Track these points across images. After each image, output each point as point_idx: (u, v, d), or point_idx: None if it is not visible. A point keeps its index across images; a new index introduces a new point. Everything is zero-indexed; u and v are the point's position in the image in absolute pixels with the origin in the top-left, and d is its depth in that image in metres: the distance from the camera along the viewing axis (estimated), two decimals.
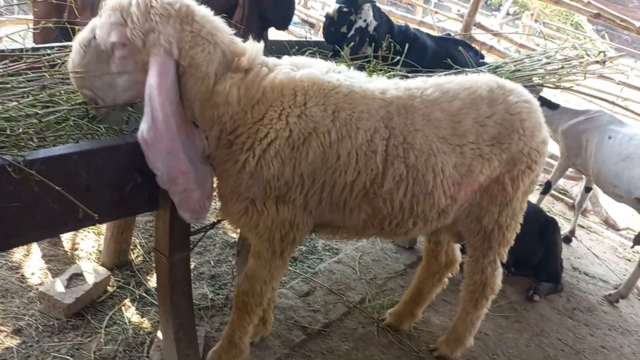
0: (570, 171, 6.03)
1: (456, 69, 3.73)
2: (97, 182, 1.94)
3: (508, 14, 17.97)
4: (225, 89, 2.11)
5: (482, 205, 2.66)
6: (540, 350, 3.78)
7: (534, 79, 4.18)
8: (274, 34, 3.94)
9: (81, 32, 2.05)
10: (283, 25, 3.79)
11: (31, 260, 3.38)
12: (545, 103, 5.17)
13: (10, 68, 2.26)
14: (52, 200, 1.76)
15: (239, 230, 3.32)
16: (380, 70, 3.48)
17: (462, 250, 3.20)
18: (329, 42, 4.06)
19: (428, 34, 4.42)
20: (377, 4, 4.12)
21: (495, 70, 4.04)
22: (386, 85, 2.41)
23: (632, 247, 5.78)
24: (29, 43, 2.68)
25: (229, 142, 2.18)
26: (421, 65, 3.80)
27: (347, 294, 3.76)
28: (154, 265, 3.45)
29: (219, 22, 2.17)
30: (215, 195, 2.31)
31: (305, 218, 2.35)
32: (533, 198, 5.34)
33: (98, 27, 2.00)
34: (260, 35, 3.65)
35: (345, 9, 3.90)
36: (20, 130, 1.83)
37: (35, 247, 3.48)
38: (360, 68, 3.23)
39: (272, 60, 2.31)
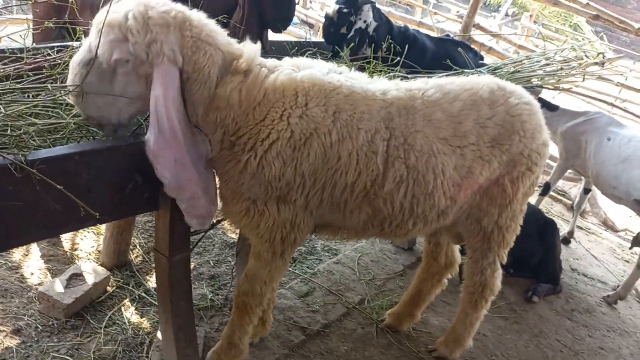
0: (569, 172, 6.04)
1: (455, 70, 3.74)
2: (97, 182, 1.94)
3: (507, 15, 18.00)
4: (226, 93, 2.13)
5: (482, 207, 2.67)
6: (539, 351, 3.78)
7: (533, 80, 4.19)
8: (273, 34, 3.94)
9: (77, 54, 2.01)
10: (282, 26, 3.79)
11: (31, 260, 3.38)
12: (544, 104, 5.17)
13: (11, 67, 2.26)
14: (53, 200, 1.76)
15: (238, 231, 3.32)
16: (380, 71, 3.49)
17: (462, 252, 3.21)
18: (328, 43, 4.06)
19: (427, 35, 4.42)
20: (377, 5, 4.12)
21: (494, 71, 4.05)
22: (387, 86, 2.41)
23: (631, 248, 5.78)
24: (29, 43, 2.67)
25: (231, 143, 2.19)
26: (420, 66, 3.80)
27: (346, 295, 3.76)
28: (153, 265, 3.45)
29: (214, 24, 2.18)
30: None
31: (306, 218, 2.35)
32: (532, 199, 5.34)
33: (97, 46, 1.95)
34: (260, 35, 3.65)
35: (345, 10, 3.91)
36: (22, 131, 1.84)
37: (34, 247, 3.48)
38: (360, 69, 3.24)
39: (270, 61, 2.31)
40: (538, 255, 4.60)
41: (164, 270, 2.46)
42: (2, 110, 1.89)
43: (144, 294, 3.29)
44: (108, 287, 3.27)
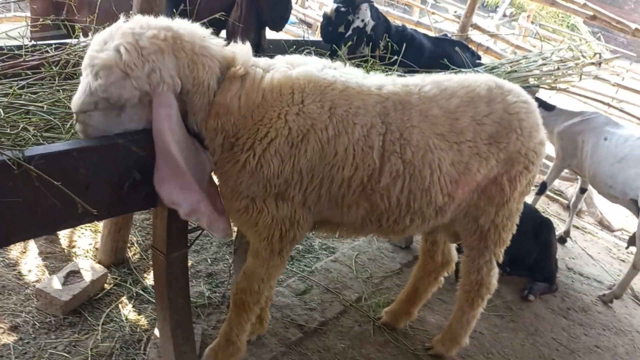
0: (565, 172, 6.06)
1: (453, 69, 3.75)
2: (96, 179, 1.94)
3: (505, 15, 18.03)
4: (226, 100, 2.14)
5: (479, 205, 2.67)
6: (535, 350, 3.80)
7: (530, 80, 4.20)
8: (271, 33, 3.95)
9: (78, 98, 1.94)
10: (279, 25, 3.80)
11: (28, 258, 3.37)
12: (541, 104, 5.19)
13: (8, 65, 2.26)
14: (52, 196, 1.77)
15: (236, 229, 3.33)
16: (377, 70, 3.50)
17: (459, 250, 3.22)
18: (326, 42, 4.07)
19: (425, 35, 4.43)
20: (375, 5, 4.13)
21: (491, 70, 4.07)
22: (383, 81, 2.42)
23: (627, 247, 5.82)
24: (27, 41, 2.68)
25: (230, 145, 2.20)
26: (418, 66, 3.81)
27: (343, 293, 3.77)
28: (150, 263, 3.46)
29: (201, 29, 2.16)
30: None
31: (305, 215, 2.36)
32: (529, 199, 5.36)
33: (99, 90, 1.89)
34: (258, 34, 3.66)
35: (342, 9, 3.92)
36: (20, 127, 1.84)
37: (32, 244, 3.48)
38: (358, 68, 3.25)
39: (263, 60, 2.32)
40: (534, 254, 4.62)
41: (161, 267, 2.46)
42: (1, 112, 1.90)
43: (141, 292, 3.29)
44: (105, 285, 3.28)
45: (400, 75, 2.71)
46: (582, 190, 5.81)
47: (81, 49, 2.51)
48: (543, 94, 5.33)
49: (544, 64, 4.35)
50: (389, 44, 3.76)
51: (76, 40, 2.65)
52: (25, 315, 2.91)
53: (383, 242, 4.58)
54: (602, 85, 10.49)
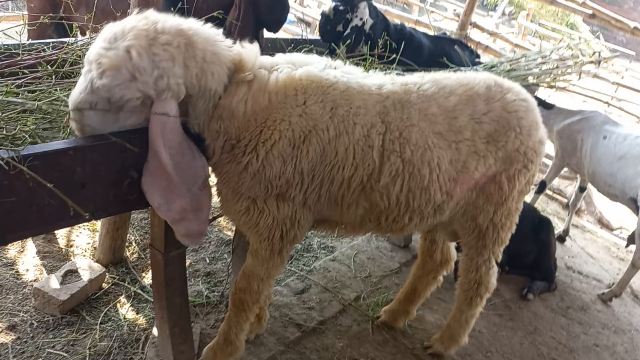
0: (564, 171, 6.06)
1: (452, 68, 3.74)
2: (92, 178, 1.93)
3: (504, 14, 18.03)
4: (231, 105, 2.12)
5: (478, 204, 2.67)
6: (534, 348, 3.80)
7: (529, 78, 4.20)
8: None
9: (77, 95, 1.89)
10: (276, 26, 3.80)
11: (26, 257, 3.37)
12: (540, 103, 5.19)
13: (5, 63, 2.25)
14: (48, 195, 1.76)
15: (234, 228, 3.33)
16: (376, 68, 3.49)
17: (458, 249, 3.22)
18: (325, 41, 4.06)
19: (424, 33, 4.43)
20: (373, 3, 4.13)
21: (490, 69, 4.06)
22: (382, 81, 2.42)
23: (626, 246, 5.82)
24: (25, 40, 2.67)
25: (231, 146, 2.19)
26: (417, 64, 3.81)
27: (342, 292, 3.77)
28: (149, 262, 3.45)
29: (213, 33, 2.12)
30: (214, 193, 2.31)
31: (306, 214, 2.36)
32: (527, 197, 5.36)
33: (102, 89, 1.86)
34: (256, 34, 3.66)
35: (341, 8, 3.91)
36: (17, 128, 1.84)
37: (30, 244, 3.48)
38: (356, 66, 3.24)
39: (266, 59, 2.30)
40: (533, 253, 4.62)
41: (159, 266, 2.46)
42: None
43: (139, 291, 3.29)
44: (103, 284, 3.27)
45: (399, 74, 2.70)
46: (582, 189, 5.81)
47: (78, 48, 2.50)
48: (542, 93, 5.32)
49: (543, 63, 4.35)
50: (388, 42, 3.76)
51: (74, 39, 2.64)
52: (23, 314, 2.90)
53: (382, 241, 4.58)
54: (602, 83, 10.48)
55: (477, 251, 2.86)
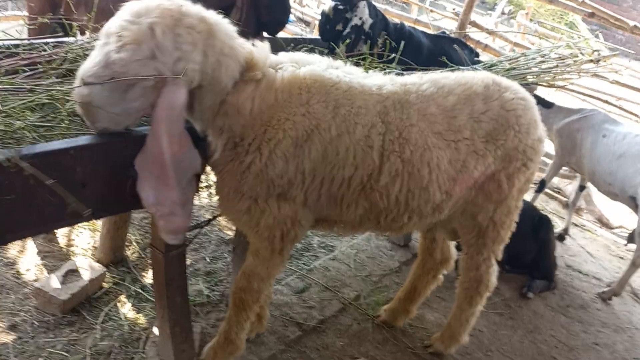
0: (564, 170, 6.06)
1: (451, 67, 3.74)
2: (93, 177, 1.94)
3: (503, 13, 18.00)
4: (238, 102, 2.11)
5: (477, 202, 2.67)
6: (534, 347, 3.80)
7: (528, 77, 4.19)
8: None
9: (90, 67, 1.83)
10: (276, 29, 3.81)
11: (26, 256, 3.37)
12: (539, 102, 5.18)
13: (6, 63, 2.25)
14: (49, 194, 1.76)
15: (234, 227, 3.33)
16: (376, 67, 3.49)
17: (458, 248, 3.22)
18: (324, 40, 4.06)
19: (423, 32, 4.42)
20: (373, 2, 4.13)
21: (490, 68, 4.06)
22: (383, 81, 2.42)
23: (626, 245, 5.82)
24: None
25: (234, 144, 2.19)
26: (416, 63, 3.80)
27: (342, 291, 3.77)
28: (149, 261, 3.45)
29: (231, 27, 2.12)
30: (212, 192, 2.31)
31: (306, 214, 2.36)
32: (527, 196, 5.36)
33: (118, 64, 1.80)
34: (256, 36, 3.66)
35: (340, 7, 3.91)
36: (17, 126, 1.84)
37: (30, 243, 3.48)
38: (356, 66, 3.25)
39: (273, 58, 2.31)
40: (533, 251, 4.62)
41: (160, 265, 2.46)
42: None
43: (140, 290, 3.29)
44: (104, 283, 3.27)
45: (399, 73, 2.70)
46: (581, 188, 5.81)
47: (78, 47, 2.50)
48: (541, 92, 5.32)
49: (543, 62, 4.35)
50: (387, 41, 3.76)
51: (74, 39, 2.64)
52: (23, 314, 2.91)
53: (382, 240, 4.58)
54: (601, 82, 10.48)
55: (477, 250, 2.86)
